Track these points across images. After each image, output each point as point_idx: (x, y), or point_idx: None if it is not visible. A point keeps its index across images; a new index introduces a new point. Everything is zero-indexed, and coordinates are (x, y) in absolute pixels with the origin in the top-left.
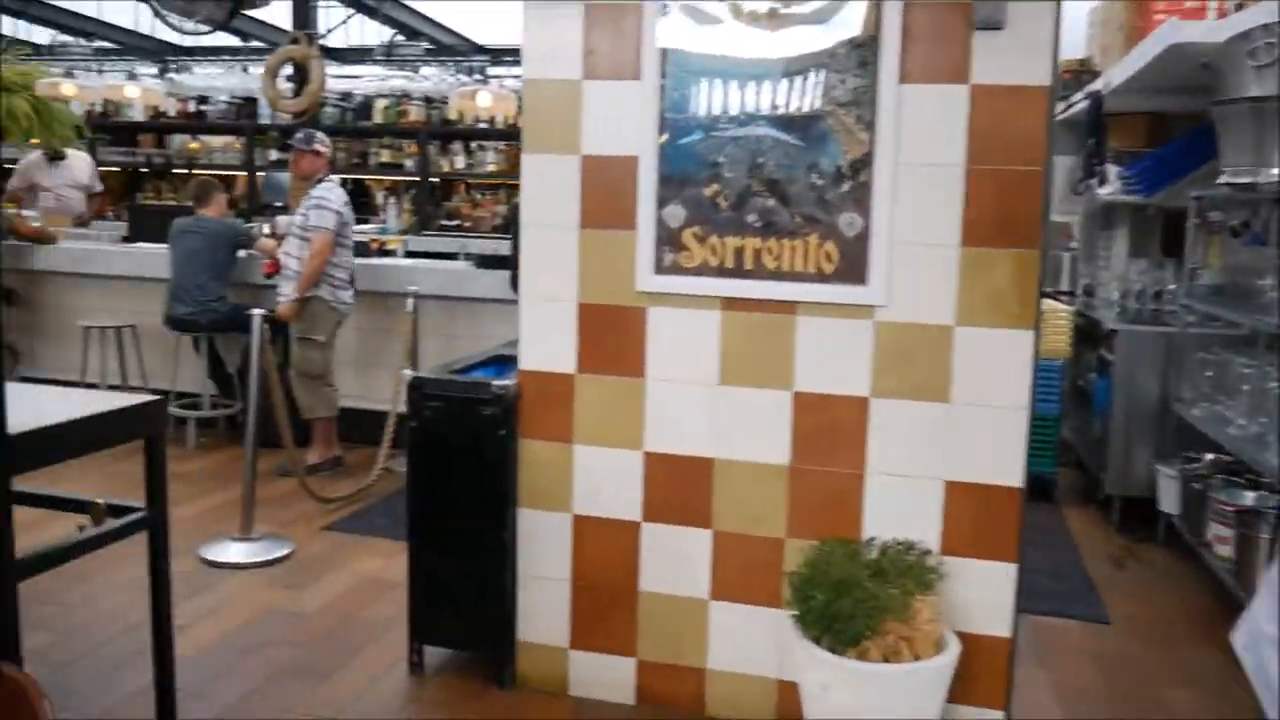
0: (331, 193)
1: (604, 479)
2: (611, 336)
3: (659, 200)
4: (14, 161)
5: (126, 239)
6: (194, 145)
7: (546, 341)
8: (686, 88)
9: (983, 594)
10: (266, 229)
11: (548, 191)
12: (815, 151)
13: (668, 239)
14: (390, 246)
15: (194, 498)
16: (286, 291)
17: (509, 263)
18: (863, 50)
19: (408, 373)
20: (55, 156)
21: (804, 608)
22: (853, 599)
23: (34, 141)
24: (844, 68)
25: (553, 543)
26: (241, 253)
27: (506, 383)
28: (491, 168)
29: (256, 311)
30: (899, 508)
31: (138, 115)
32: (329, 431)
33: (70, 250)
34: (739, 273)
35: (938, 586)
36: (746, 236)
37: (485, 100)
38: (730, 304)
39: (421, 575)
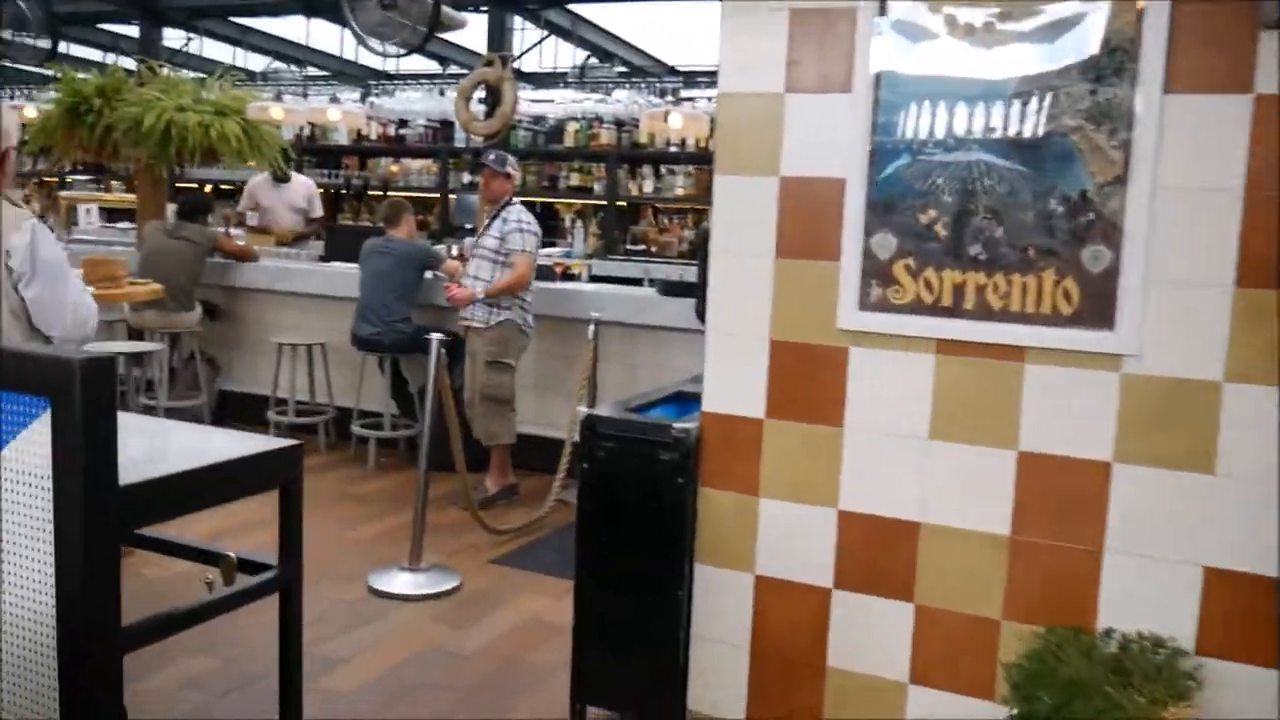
0: (526, 216)
1: (792, 538)
2: (807, 379)
3: (867, 228)
4: (228, 183)
5: (324, 258)
6: (395, 168)
7: (733, 382)
8: (901, 102)
9: (1249, 705)
10: (455, 250)
11: (741, 216)
12: (1055, 173)
13: (875, 271)
14: (574, 270)
15: (370, 519)
16: (477, 315)
17: (695, 290)
18: (1118, 56)
19: (582, 410)
20: (280, 178)
21: (1026, 709)
22: (1090, 705)
23: (250, 163)
24: (1095, 77)
25: (732, 604)
26: (428, 274)
27: (687, 426)
28: (680, 191)
29: (434, 335)
30: (1145, 595)
31: (342, 139)
32: (507, 459)
33: (269, 268)
34: (958, 311)
35: (1195, 696)
36: (968, 270)
37: (676, 122)
38: (946, 347)
39: (587, 630)
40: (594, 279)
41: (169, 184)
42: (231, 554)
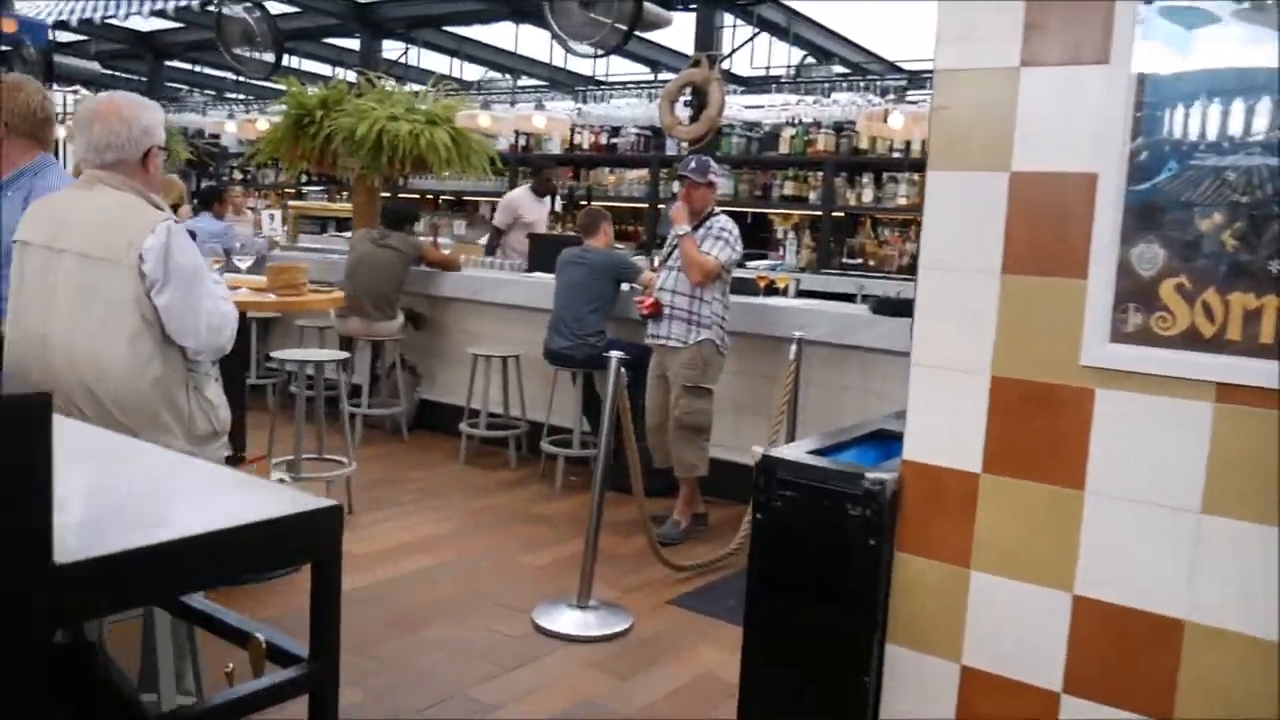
0: (729, 224)
1: (1011, 623)
2: (1038, 427)
3: (1124, 235)
4: (450, 194)
5: (527, 269)
6: (611, 177)
7: (943, 425)
8: (1171, 72)
9: None
10: (656, 262)
11: (958, 222)
12: None
13: (1136, 292)
14: (778, 284)
15: (549, 544)
16: (675, 334)
17: (913, 309)
18: None
19: (758, 449)
20: (541, 191)
21: None
22: None
23: (463, 173)
24: None
25: (930, 698)
26: (624, 286)
27: (883, 476)
28: (902, 201)
29: (614, 353)
30: None
31: (554, 148)
32: (697, 490)
33: (471, 278)
34: (1251, 348)
35: None
36: (1266, 294)
37: (897, 122)
38: (1230, 393)
39: (756, 708)
40: (802, 294)
41: (392, 193)
42: (261, 635)
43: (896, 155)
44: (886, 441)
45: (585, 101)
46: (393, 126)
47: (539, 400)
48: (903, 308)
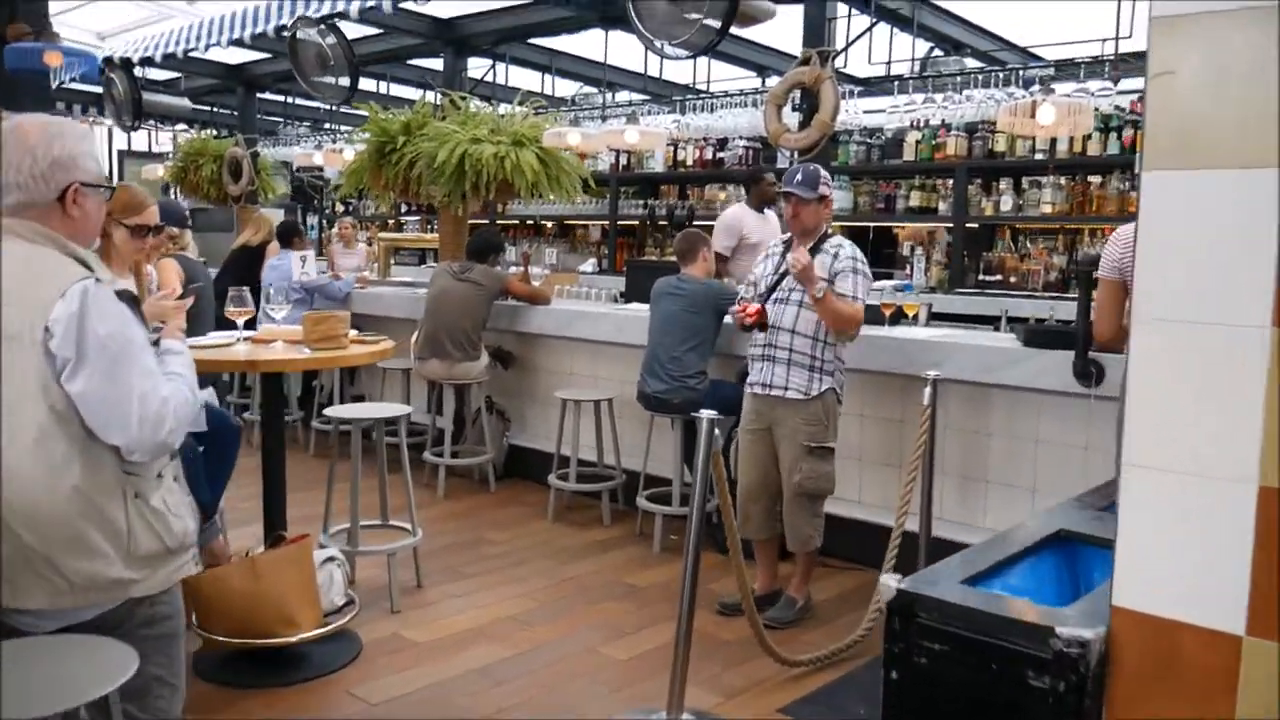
0: (859, 253)
1: None
2: None
3: None
4: (549, 218)
5: (622, 299)
6: (722, 194)
7: (1178, 560)
8: None
9: None
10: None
11: (1199, 248)
12: None
13: None
14: (907, 312)
15: (639, 627)
16: (795, 383)
17: (1072, 340)
18: None
19: (889, 582)
20: (762, 203)
21: None
22: None
23: (552, 197)
24: None
25: None
26: (727, 319)
27: (1084, 634)
28: (1048, 209)
29: (705, 413)
30: None
31: (657, 166)
32: (814, 563)
33: (561, 312)
34: None
35: None
36: None
37: (1048, 115)
38: None
39: None
40: (936, 317)
41: (491, 220)
42: None
43: (1039, 157)
44: (1069, 549)
45: (684, 113)
46: (475, 150)
47: (636, 446)
48: (1059, 339)
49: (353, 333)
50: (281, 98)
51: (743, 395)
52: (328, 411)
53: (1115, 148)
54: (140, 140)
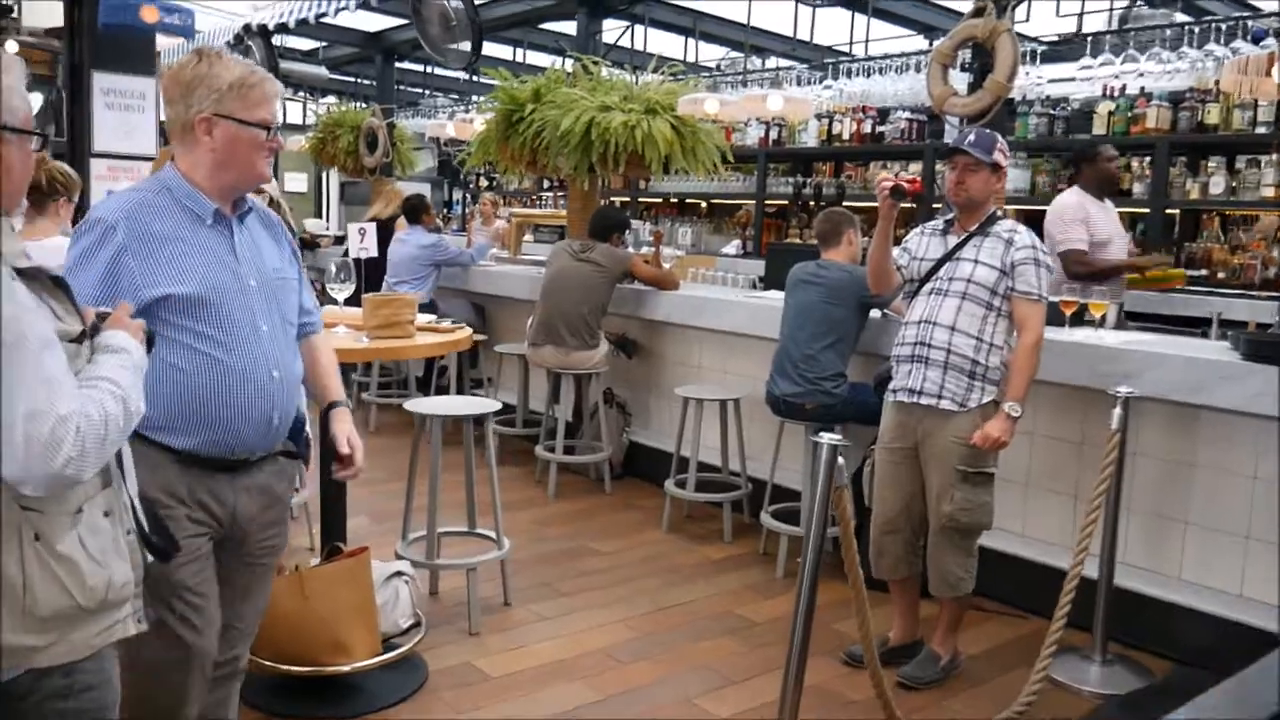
0: (1036, 240)
1: None
2: None
3: None
4: (697, 196)
5: (763, 285)
6: (884, 173)
7: None
8: None
9: None
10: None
11: None
12: None
13: None
14: (1092, 312)
15: (746, 674)
16: (950, 389)
17: None
18: None
19: None
20: (1103, 187)
21: None
22: None
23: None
24: None
25: None
26: (875, 314)
27: None
28: (1268, 192)
29: (827, 437)
30: None
31: (810, 140)
32: (963, 611)
33: (686, 299)
34: None
35: None
36: None
37: None
38: None
39: None
40: (1129, 317)
41: (632, 197)
42: None
43: (1262, 130)
44: None
45: (836, 77)
46: (604, 118)
47: (765, 451)
48: None
49: (427, 318)
50: (421, 67)
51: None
52: (407, 405)
53: None
54: (295, 112)
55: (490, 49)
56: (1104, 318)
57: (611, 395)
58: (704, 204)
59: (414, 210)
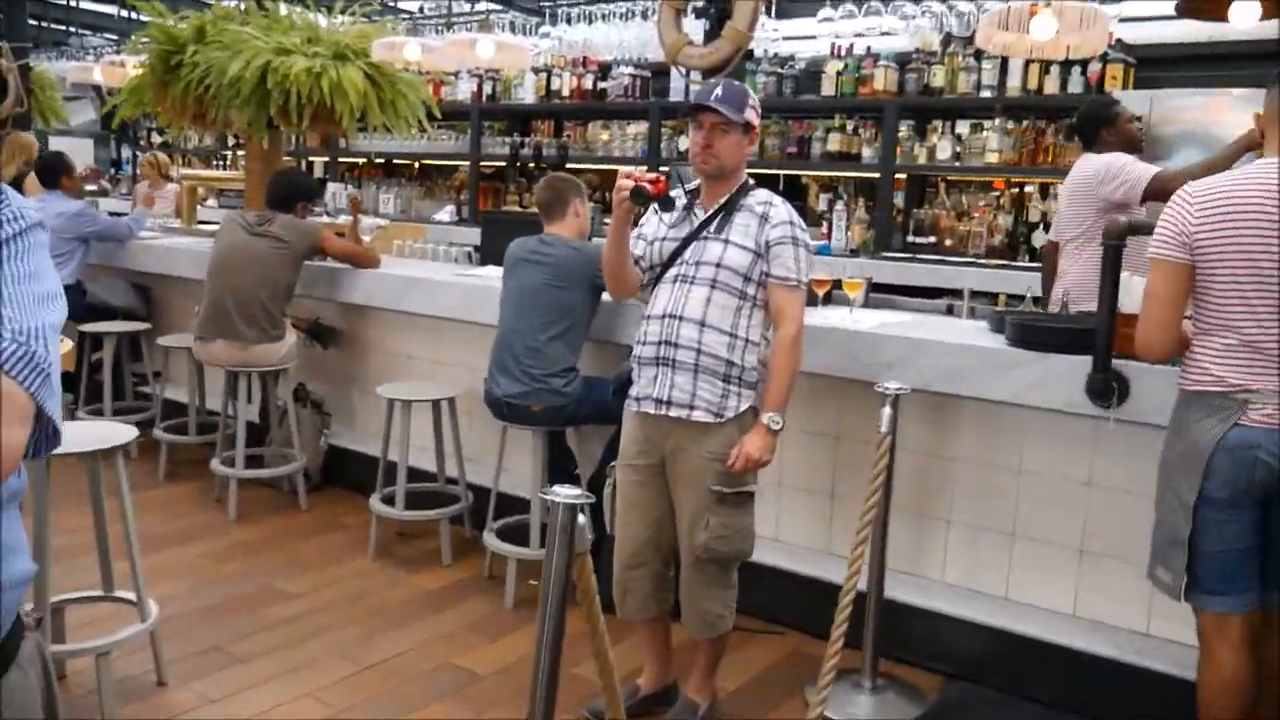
0: (794, 214)
1: None
2: None
3: None
4: (405, 156)
5: (479, 259)
6: (605, 135)
7: None
8: None
9: None
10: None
11: None
12: None
13: None
14: (848, 291)
15: None
16: (705, 397)
17: (1076, 341)
18: None
19: None
20: (1132, 150)
21: None
22: None
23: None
24: None
25: None
26: (607, 296)
27: None
28: (993, 158)
29: (563, 495)
30: None
31: (527, 96)
32: (723, 650)
33: (390, 279)
34: None
35: None
36: None
37: (1044, 27)
38: None
39: None
40: (878, 290)
41: (332, 157)
42: None
43: (986, 94)
44: None
45: (556, 23)
46: (282, 63)
47: (489, 452)
48: (1062, 339)
49: None
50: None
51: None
52: None
53: (1078, 85)
54: None
55: None
56: (856, 297)
57: (305, 393)
58: (415, 165)
59: (49, 170)
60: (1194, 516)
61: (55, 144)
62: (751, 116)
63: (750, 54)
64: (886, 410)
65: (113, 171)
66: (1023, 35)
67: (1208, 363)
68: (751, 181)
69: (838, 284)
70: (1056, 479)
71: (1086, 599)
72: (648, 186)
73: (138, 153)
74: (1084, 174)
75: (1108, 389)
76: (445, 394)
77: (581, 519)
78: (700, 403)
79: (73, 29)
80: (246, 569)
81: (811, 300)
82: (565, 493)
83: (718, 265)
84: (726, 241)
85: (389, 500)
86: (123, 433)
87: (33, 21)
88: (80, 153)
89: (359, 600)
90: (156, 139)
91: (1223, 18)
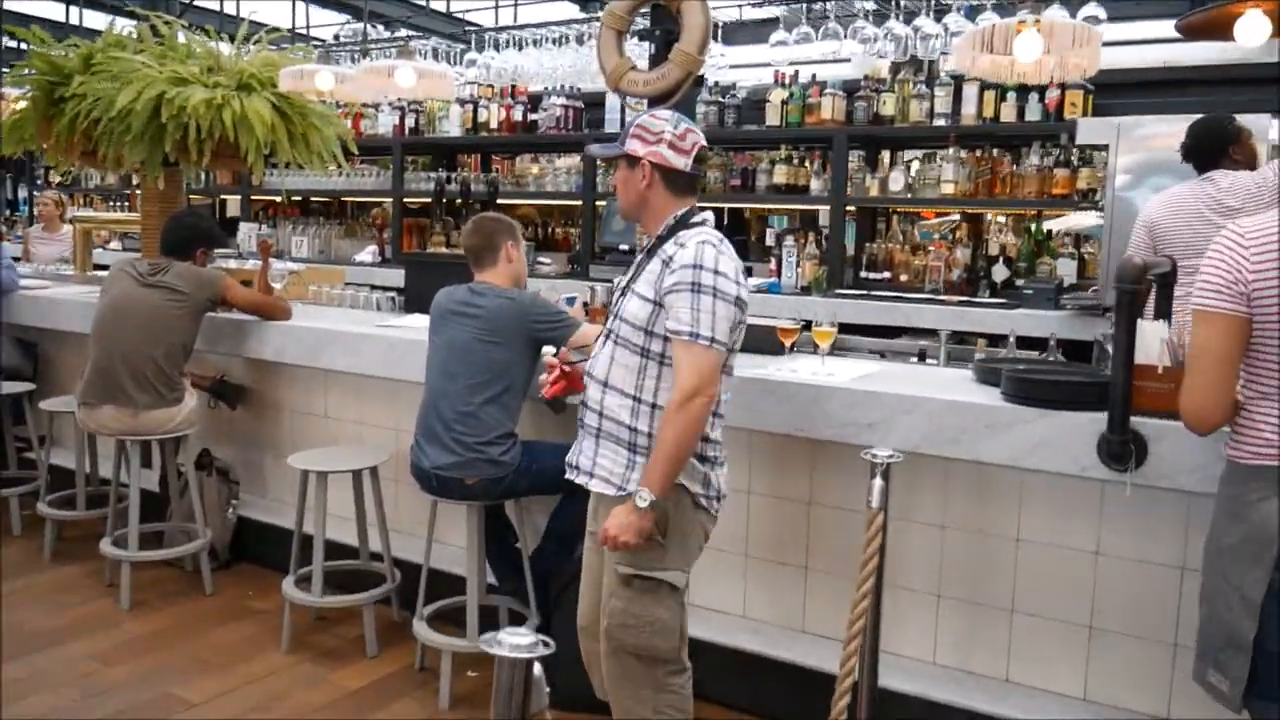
0: (713, 250)
1: None
2: None
3: None
4: (324, 195)
5: (404, 307)
6: (535, 169)
7: None
8: None
9: None
10: (578, 303)
11: None
12: None
13: None
14: (817, 341)
15: None
16: (605, 466)
17: (1083, 397)
18: None
19: None
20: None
21: None
22: None
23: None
24: None
25: None
26: (547, 353)
27: None
28: (948, 189)
29: (507, 640)
30: None
31: (453, 129)
32: None
33: (302, 332)
34: None
35: None
36: None
37: (1028, 48)
38: None
39: None
40: (846, 331)
41: (244, 196)
42: None
43: (940, 123)
44: None
45: (482, 49)
46: (179, 93)
47: (418, 521)
48: (1067, 394)
49: None
50: None
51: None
52: None
53: (1036, 113)
54: None
55: (33, 7)
56: (821, 348)
57: (209, 459)
58: (335, 203)
59: None
60: (1260, 613)
61: None
62: (634, 146)
63: (701, 79)
64: (877, 482)
65: (8, 213)
66: (1009, 58)
67: (1269, 431)
68: (696, 217)
69: (806, 327)
70: (1060, 548)
71: (1098, 681)
72: (551, 394)
73: (34, 192)
74: (1244, 187)
75: (1125, 451)
76: (366, 462)
77: (538, 670)
78: (601, 471)
79: None
80: (141, 672)
81: (777, 349)
82: (513, 641)
83: (619, 318)
84: (630, 291)
85: (304, 582)
86: None
87: None
88: None
89: (271, 706)
90: (55, 178)
91: (1228, 38)
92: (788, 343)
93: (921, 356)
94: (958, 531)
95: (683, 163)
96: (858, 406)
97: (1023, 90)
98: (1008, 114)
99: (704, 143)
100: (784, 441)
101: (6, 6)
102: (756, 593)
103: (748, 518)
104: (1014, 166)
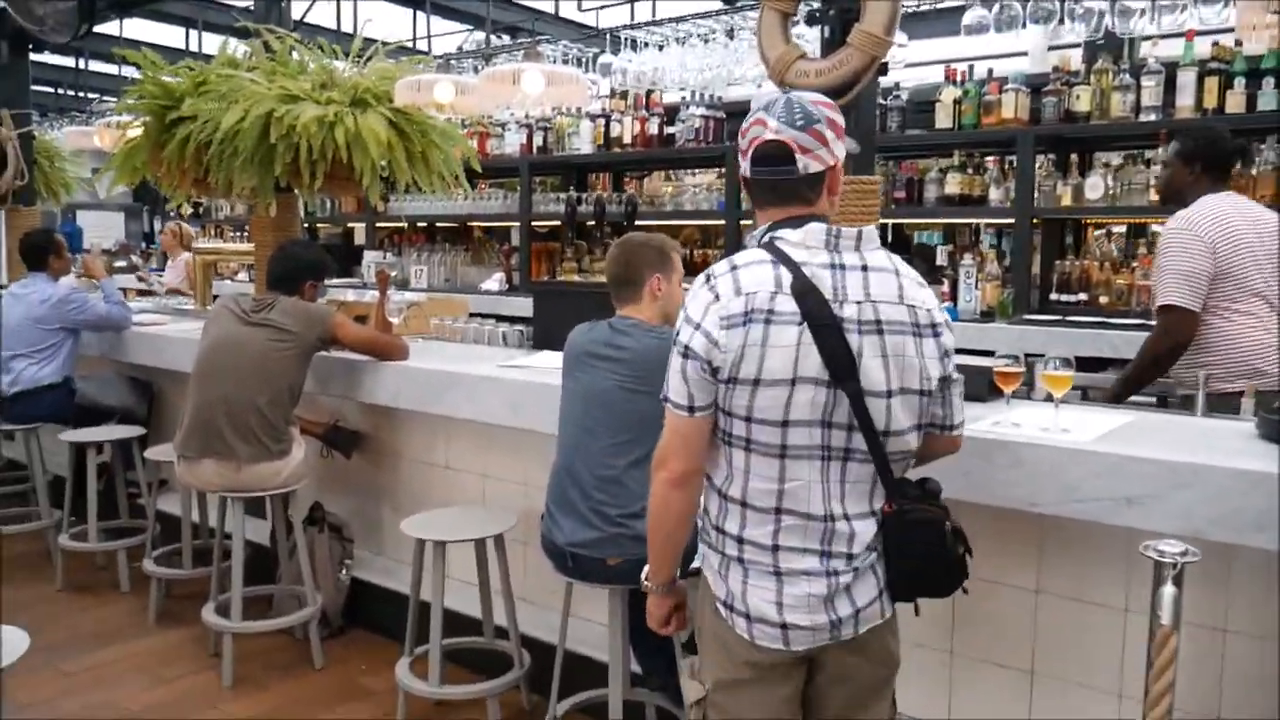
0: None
1: None
2: None
3: None
4: (449, 219)
5: (533, 341)
6: (669, 187)
7: None
8: None
9: None
10: None
11: None
12: None
13: None
14: (1047, 386)
15: None
16: None
17: None
18: None
19: None
20: None
21: None
22: None
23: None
24: None
25: None
26: None
27: None
28: (1158, 196)
29: None
30: None
31: (584, 145)
32: None
33: (419, 374)
34: None
35: None
36: None
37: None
38: None
39: None
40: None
41: (369, 222)
42: None
43: (1148, 118)
44: None
45: (617, 51)
46: (288, 111)
47: (551, 591)
48: None
49: None
50: (71, 61)
51: None
52: None
53: (1272, 101)
54: None
55: (145, 30)
56: (1006, 394)
57: (321, 514)
58: (462, 228)
59: (35, 250)
60: None
61: (83, 219)
62: (829, 146)
63: (885, 68)
64: (1168, 590)
65: (144, 246)
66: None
67: None
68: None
69: (1031, 376)
70: None
71: None
72: None
73: (46, 232)
74: None
75: None
76: (490, 529)
77: None
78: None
79: (77, 91)
80: None
81: (980, 394)
82: None
83: None
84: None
85: (421, 667)
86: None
87: (46, 88)
88: (111, 227)
89: None
90: (186, 209)
91: None
92: (1008, 390)
93: (1162, 401)
94: (1242, 638)
95: (744, 167)
96: (1109, 475)
97: (1253, 75)
98: (1234, 104)
99: (766, 136)
100: (1004, 517)
101: (125, 34)
102: (967, 698)
103: (953, 605)
104: (1243, 166)
